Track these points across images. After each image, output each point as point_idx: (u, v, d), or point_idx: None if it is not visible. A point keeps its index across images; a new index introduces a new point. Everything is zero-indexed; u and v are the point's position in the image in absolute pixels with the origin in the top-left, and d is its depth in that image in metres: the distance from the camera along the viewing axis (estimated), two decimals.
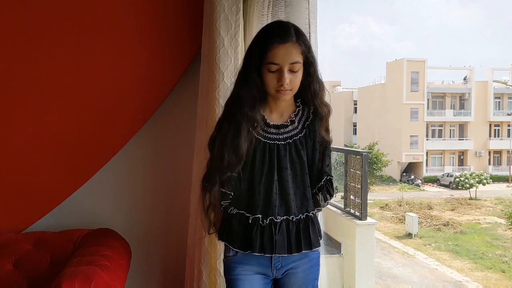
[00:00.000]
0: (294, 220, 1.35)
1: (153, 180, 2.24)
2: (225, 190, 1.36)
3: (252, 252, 1.33)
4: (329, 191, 1.42)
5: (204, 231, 1.48)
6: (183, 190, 2.08)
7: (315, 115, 1.39)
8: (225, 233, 1.39)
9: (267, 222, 1.33)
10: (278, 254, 1.34)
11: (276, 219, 1.33)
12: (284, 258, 1.36)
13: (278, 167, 1.34)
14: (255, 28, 1.82)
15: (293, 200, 1.35)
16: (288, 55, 1.28)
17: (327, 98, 1.41)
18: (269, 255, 1.34)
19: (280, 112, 1.39)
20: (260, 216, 1.33)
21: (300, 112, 1.40)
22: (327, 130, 1.41)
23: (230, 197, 1.37)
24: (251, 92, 1.31)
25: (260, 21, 1.83)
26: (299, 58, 1.30)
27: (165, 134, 2.22)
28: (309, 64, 1.34)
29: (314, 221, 1.39)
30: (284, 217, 1.34)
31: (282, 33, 1.29)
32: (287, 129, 1.38)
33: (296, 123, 1.39)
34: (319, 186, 1.41)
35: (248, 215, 1.34)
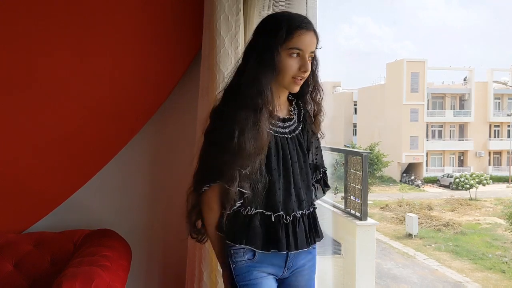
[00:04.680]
0: (306, 213, 1.35)
1: (154, 180, 2.24)
2: (241, 189, 1.26)
3: (279, 250, 1.30)
4: (326, 183, 1.43)
5: (189, 233, 1.40)
6: (184, 191, 2.07)
7: (306, 110, 1.41)
8: (245, 236, 1.29)
9: (290, 218, 1.31)
10: (301, 249, 1.32)
11: (297, 214, 1.32)
12: (296, 256, 1.34)
13: (291, 161, 1.33)
14: None
15: (303, 194, 1.35)
16: (311, 43, 1.28)
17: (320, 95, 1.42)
18: (284, 254, 1.32)
19: (279, 105, 1.36)
20: (282, 213, 1.30)
21: (295, 106, 1.41)
22: (318, 125, 1.42)
23: (245, 196, 1.28)
24: (271, 77, 1.26)
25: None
26: (314, 51, 1.31)
27: (166, 135, 2.22)
28: (315, 60, 1.35)
29: (316, 213, 1.41)
30: (299, 212, 1.33)
31: (307, 21, 1.29)
32: (291, 123, 1.37)
33: (295, 117, 1.39)
34: (317, 178, 1.42)
35: (268, 213, 1.30)
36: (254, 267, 1.31)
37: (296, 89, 1.32)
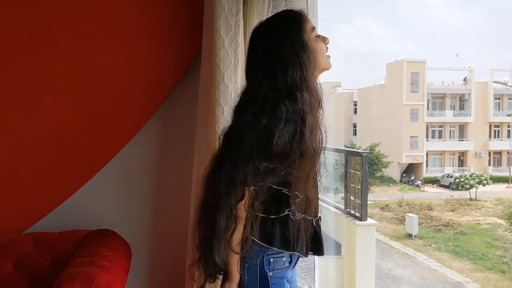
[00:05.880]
0: None
1: (154, 180, 2.24)
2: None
3: (319, 255, 1.31)
4: None
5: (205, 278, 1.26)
6: (184, 191, 2.08)
7: None
8: (296, 243, 1.25)
9: (321, 222, 1.32)
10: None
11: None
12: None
13: None
14: None
15: None
16: None
17: None
18: (297, 256, 1.32)
19: None
20: (320, 216, 1.32)
21: None
22: None
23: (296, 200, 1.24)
24: (313, 70, 1.26)
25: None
26: None
27: (166, 135, 2.22)
28: None
29: None
30: None
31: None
32: None
33: None
34: None
35: (309, 218, 1.28)
36: (285, 275, 1.29)
37: (331, 64, 1.34)
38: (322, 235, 1.33)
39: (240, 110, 1.25)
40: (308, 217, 1.27)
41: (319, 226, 1.31)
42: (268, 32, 1.28)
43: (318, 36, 1.31)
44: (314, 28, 1.30)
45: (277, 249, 1.24)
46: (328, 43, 1.32)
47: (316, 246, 1.31)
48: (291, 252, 1.25)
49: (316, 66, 1.26)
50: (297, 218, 1.25)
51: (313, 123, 1.21)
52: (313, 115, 1.21)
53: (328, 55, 1.33)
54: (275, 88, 1.20)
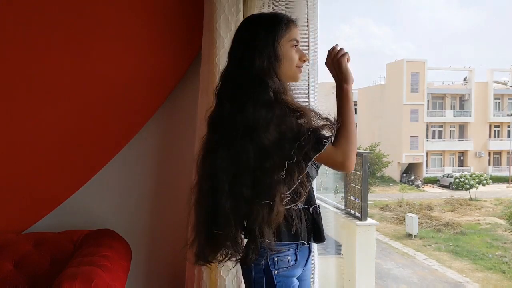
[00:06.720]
0: None
1: (154, 180, 2.24)
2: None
3: (320, 242, 1.33)
4: None
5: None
6: (184, 191, 2.08)
7: None
8: (303, 233, 1.28)
9: (319, 209, 1.34)
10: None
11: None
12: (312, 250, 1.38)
13: None
14: None
15: None
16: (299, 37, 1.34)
17: None
18: (307, 252, 1.34)
19: None
20: (317, 205, 1.33)
21: None
22: None
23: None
24: (279, 70, 1.28)
25: None
26: None
27: (166, 135, 2.23)
28: None
29: None
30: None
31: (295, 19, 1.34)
32: None
33: None
34: None
35: (306, 206, 1.30)
36: (293, 274, 1.30)
37: (300, 78, 1.34)
38: (322, 224, 1.34)
39: (214, 94, 1.32)
40: (305, 206, 1.30)
41: (317, 213, 1.33)
42: (251, 23, 1.33)
43: (297, 48, 1.31)
44: (296, 40, 1.30)
45: (286, 242, 1.26)
46: (304, 61, 1.32)
47: (316, 233, 1.32)
48: (298, 242, 1.27)
49: (281, 67, 1.26)
50: (300, 207, 1.27)
51: (292, 104, 1.22)
52: (287, 98, 1.23)
53: (299, 68, 1.32)
54: (242, 72, 1.24)
